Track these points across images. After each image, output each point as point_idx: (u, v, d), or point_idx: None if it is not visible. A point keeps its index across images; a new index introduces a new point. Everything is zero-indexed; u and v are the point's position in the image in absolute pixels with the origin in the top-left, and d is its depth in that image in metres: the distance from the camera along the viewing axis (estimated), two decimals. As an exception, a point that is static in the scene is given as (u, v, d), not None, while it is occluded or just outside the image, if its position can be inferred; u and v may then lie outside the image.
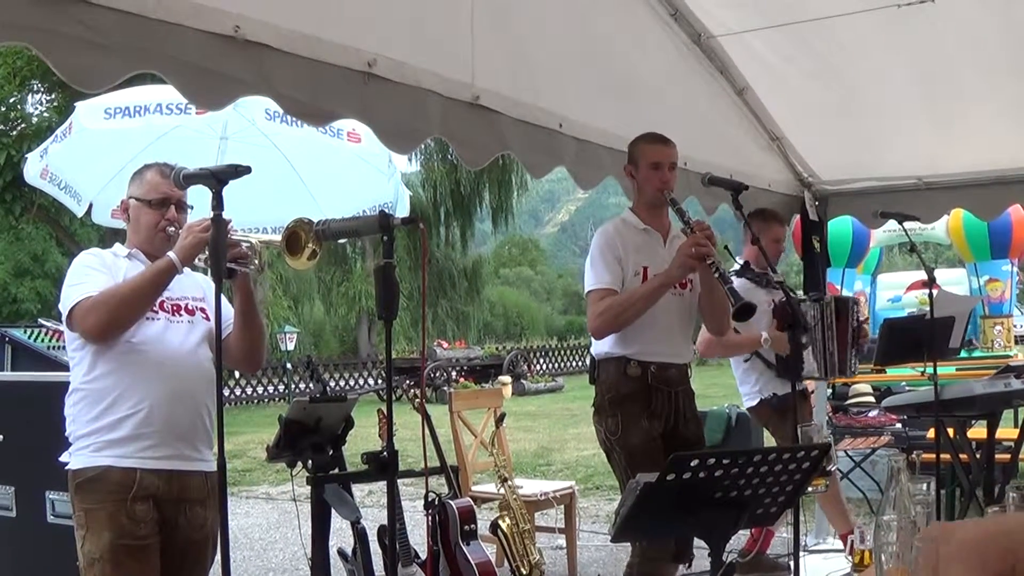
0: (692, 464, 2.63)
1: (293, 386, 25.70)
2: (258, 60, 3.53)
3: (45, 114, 23.98)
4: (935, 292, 6.18)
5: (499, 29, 4.71)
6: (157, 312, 3.81)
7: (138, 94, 6.03)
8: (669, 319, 4.89)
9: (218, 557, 3.40)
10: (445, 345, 31.67)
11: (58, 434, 3.87)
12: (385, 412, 3.75)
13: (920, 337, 6.23)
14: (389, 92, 4.11)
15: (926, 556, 2.01)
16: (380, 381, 26.82)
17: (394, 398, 3.47)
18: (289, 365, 25.98)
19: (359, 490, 8.69)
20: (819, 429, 3.77)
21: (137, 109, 5.88)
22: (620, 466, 4.93)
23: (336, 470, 5.48)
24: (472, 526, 6.10)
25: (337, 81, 3.88)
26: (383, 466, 3.41)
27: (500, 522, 6.39)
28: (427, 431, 4.59)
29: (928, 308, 6.17)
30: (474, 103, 4.57)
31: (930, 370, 5.99)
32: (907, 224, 6.23)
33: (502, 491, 6.57)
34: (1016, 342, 16.96)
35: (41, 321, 12.14)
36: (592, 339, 5.08)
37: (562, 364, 36.63)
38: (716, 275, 4.58)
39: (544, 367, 34.85)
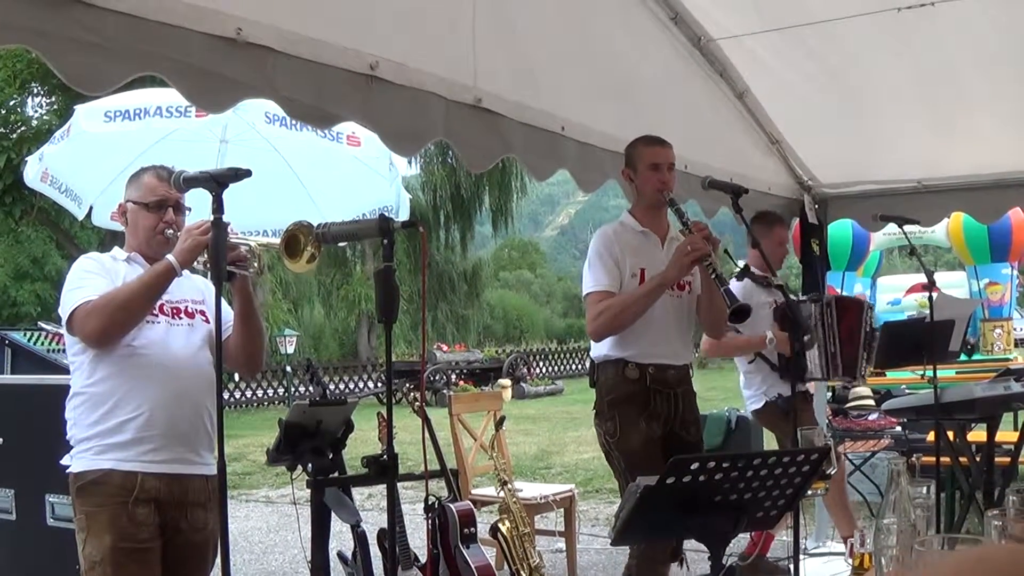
0: (692, 467, 2.63)
1: (293, 389, 25.70)
2: (260, 62, 3.53)
3: (45, 117, 23.96)
4: (935, 295, 6.17)
5: (500, 32, 4.71)
6: (157, 315, 3.81)
7: (138, 97, 6.03)
8: (667, 321, 4.90)
9: (218, 560, 3.40)
10: (445, 348, 31.67)
11: (58, 437, 3.88)
12: (385, 415, 3.75)
13: (920, 340, 6.23)
14: (392, 94, 4.11)
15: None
16: (380, 384, 26.81)
17: (394, 401, 3.48)
18: (289, 368, 25.98)
19: (359, 493, 8.68)
20: (820, 432, 3.76)
21: (137, 112, 5.89)
22: (619, 468, 4.94)
23: (336, 473, 5.49)
24: (472, 529, 6.10)
25: (340, 84, 3.88)
26: (383, 469, 3.41)
27: (500, 525, 6.38)
28: (427, 434, 4.59)
29: (928, 311, 6.16)
30: (476, 105, 4.57)
31: (930, 373, 5.98)
32: (907, 227, 6.22)
33: (502, 494, 6.57)
34: (1016, 345, 16.94)
35: (41, 324, 12.16)
36: (592, 342, 5.09)
37: (562, 367, 36.60)
38: (712, 276, 4.59)
39: (544, 370, 34.83)
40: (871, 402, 9.71)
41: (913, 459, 6.69)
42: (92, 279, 3.75)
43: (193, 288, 4.00)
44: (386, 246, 3.17)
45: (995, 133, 6.40)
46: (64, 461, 3.79)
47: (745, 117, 6.69)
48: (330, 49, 3.82)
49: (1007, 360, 13.35)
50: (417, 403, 6.18)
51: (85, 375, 3.74)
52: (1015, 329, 17.20)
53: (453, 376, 27.79)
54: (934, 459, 6.24)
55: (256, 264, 3.79)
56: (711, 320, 5.16)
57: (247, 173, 3.29)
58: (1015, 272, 17.05)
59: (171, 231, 3.85)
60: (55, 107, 23.57)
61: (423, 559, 6.02)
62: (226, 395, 23.10)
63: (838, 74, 6.19)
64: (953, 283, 17.61)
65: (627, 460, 4.85)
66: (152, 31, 3.15)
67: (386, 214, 4.17)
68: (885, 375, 9.55)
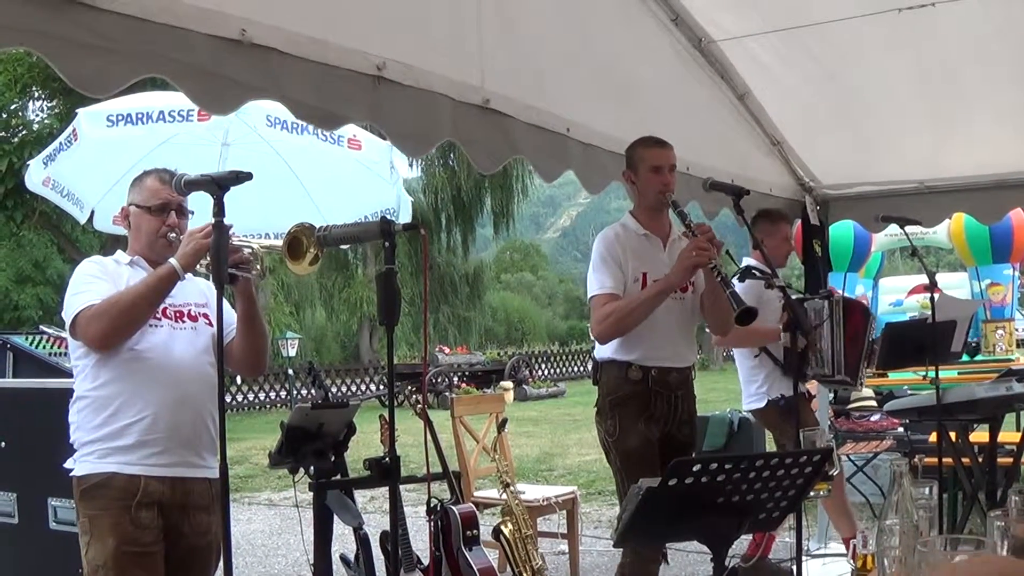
0: (694, 469, 2.63)
1: (295, 392, 25.69)
2: (266, 64, 3.53)
3: (46, 121, 23.94)
4: (936, 296, 6.17)
5: (506, 33, 4.72)
6: (160, 319, 3.81)
7: (140, 100, 6.04)
8: (670, 323, 4.90)
9: (220, 563, 3.40)
10: (447, 351, 31.67)
11: (60, 441, 3.88)
12: (387, 418, 3.75)
13: (922, 341, 6.23)
14: (399, 95, 4.11)
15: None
16: (382, 387, 26.80)
17: (396, 404, 3.48)
18: (291, 371, 25.97)
19: (361, 496, 8.67)
20: (822, 433, 3.76)
21: (139, 116, 5.89)
22: (616, 467, 4.96)
23: (338, 476, 5.49)
24: (474, 531, 6.10)
25: (347, 85, 3.88)
26: (385, 472, 3.42)
27: (502, 527, 6.38)
28: (429, 437, 4.59)
29: (930, 312, 6.16)
30: (485, 106, 4.57)
31: (932, 374, 5.98)
32: (909, 228, 6.21)
33: (504, 496, 6.57)
34: (1018, 346, 16.90)
35: (42, 328, 12.15)
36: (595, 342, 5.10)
37: (564, 369, 36.59)
38: (718, 279, 4.59)
39: (546, 372, 34.84)
40: (873, 403, 9.71)
41: (915, 460, 6.64)
42: (95, 283, 3.75)
43: (196, 291, 4.00)
44: (387, 249, 3.16)
45: (996, 133, 6.40)
46: (67, 464, 3.79)
47: (746, 118, 6.69)
48: (336, 50, 3.82)
49: (1009, 361, 13.32)
50: (419, 405, 6.19)
51: (89, 379, 3.74)
52: (1017, 330, 17.17)
53: (455, 378, 27.79)
54: (936, 460, 6.25)
55: (258, 267, 3.79)
56: (716, 319, 5.16)
57: (248, 176, 3.29)
58: (1017, 273, 17.02)
59: (174, 234, 3.85)
60: (56, 111, 23.55)
61: (425, 561, 6.02)
62: (228, 398, 23.09)
63: (839, 75, 6.19)
64: (955, 284, 17.58)
65: (623, 460, 4.87)
66: (156, 33, 3.15)
67: (387, 216, 4.17)
68: (887, 376, 9.54)
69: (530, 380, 30.07)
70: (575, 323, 60.54)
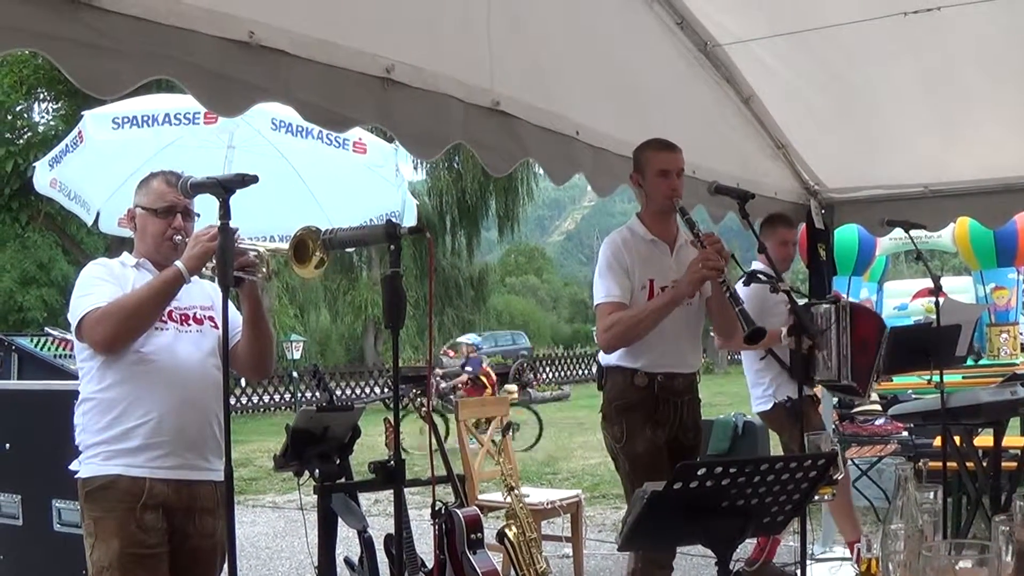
0: (699, 473, 2.63)
1: (300, 395, 25.74)
2: (274, 66, 3.53)
3: (52, 123, 24.02)
4: (941, 300, 6.17)
5: (514, 35, 4.72)
6: (166, 322, 3.81)
7: (146, 103, 6.05)
8: (677, 330, 4.88)
9: (225, 566, 3.41)
10: (452, 354, 31.66)
11: (64, 442, 3.88)
12: (392, 421, 3.76)
13: (926, 345, 6.22)
14: (408, 97, 4.11)
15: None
16: (387, 390, 26.84)
17: (401, 407, 3.48)
18: (295, 374, 26.00)
19: (366, 499, 8.68)
20: (827, 437, 3.76)
21: (145, 119, 5.90)
22: (624, 472, 4.95)
23: (343, 479, 5.49)
24: (479, 535, 6.09)
25: (355, 87, 3.89)
26: (390, 475, 3.42)
27: (507, 531, 6.38)
28: (433, 440, 4.59)
29: (934, 316, 6.16)
30: (495, 109, 4.57)
31: (936, 378, 5.97)
32: (913, 232, 6.22)
33: (508, 500, 6.57)
34: (1022, 350, 16.87)
35: (47, 329, 12.19)
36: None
37: (568, 372, 36.60)
38: (727, 295, 4.57)
39: (550, 375, 34.83)
40: (878, 407, 9.70)
41: (920, 464, 6.66)
42: (101, 286, 3.75)
43: (202, 294, 4.00)
44: (392, 252, 3.17)
45: (1001, 137, 6.39)
46: (73, 466, 3.80)
47: (751, 122, 6.69)
48: (344, 52, 3.82)
49: (1013, 365, 13.30)
50: (424, 409, 6.19)
51: (94, 381, 3.74)
52: (1022, 334, 17.14)
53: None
54: (941, 464, 6.24)
55: (264, 270, 3.79)
56: (722, 325, 5.15)
57: (254, 179, 3.29)
58: (1022, 277, 17.00)
59: (180, 237, 3.86)
60: (61, 113, 23.63)
61: (430, 565, 6.02)
62: (233, 400, 23.10)
63: (844, 79, 6.19)
64: (959, 288, 17.60)
65: (631, 465, 4.86)
66: (164, 34, 3.15)
67: (393, 219, 4.17)
68: (892, 380, 9.53)
69: (534, 383, 30.05)
70: (580, 326, 60.55)
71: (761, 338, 4.58)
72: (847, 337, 6.09)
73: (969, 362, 10.05)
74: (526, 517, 6.45)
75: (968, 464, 6.73)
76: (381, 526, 7.84)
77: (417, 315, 34.24)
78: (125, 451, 3.69)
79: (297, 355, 27.37)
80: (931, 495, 2.63)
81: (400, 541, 5.06)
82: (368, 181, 6.65)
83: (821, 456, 2.90)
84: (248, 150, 6.43)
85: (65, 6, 2.89)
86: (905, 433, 9.01)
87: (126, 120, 5.89)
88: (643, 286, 4.85)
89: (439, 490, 6.19)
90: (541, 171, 5.88)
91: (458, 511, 6.08)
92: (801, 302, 5.92)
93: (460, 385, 20.45)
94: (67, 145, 6.29)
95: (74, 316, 3.71)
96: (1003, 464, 6.68)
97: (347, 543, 6.66)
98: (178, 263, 3.67)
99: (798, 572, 5.01)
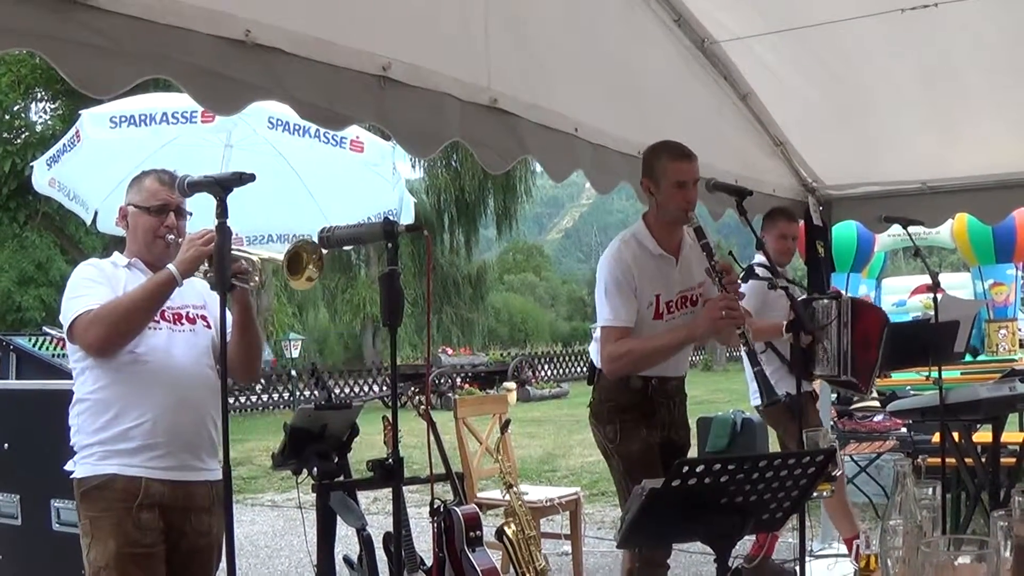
0: (698, 470, 2.63)
1: (298, 393, 25.73)
2: (270, 65, 3.53)
3: (49, 122, 23.98)
4: (939, 296, 6.16)
5: (512, 32, 4.71)
6: (159, 322, 3.80)
7: (143, 102, 6.05)
8: None
9: (223, 564, 3.40)
10: (450, 352, 31.68)
11: (63, 442, 3.87)
12: (390, 419, 3.75)
13: (925, 341, 6.22)
14: (406, 96, 4.10)
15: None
16: (385, 388, 26.83)
17: (399, 405, 3.48)
18: (294, 372, 25.99)
19: (364, 497, 8.67)
20: (825, 434, 3.76)
21: (143, 118, 5.90)
22: (618, 472, 4.93)
23: (341, 477, 5.49)
24: (477, 533, 6.09)
25: (352, 85, 3.88)
26: (388, 473, 3.42)
27: (505, 528, 6.38)
28: (432, 438, 4.59)
29: (933, 312, 6.16)
30: (492, 106, 4.56)
31: (935, 374, 5.97)
32: (911, 228, 6.21)
33: (507, 497, 6.56)
34: (1021, 346, 16.91)
35: (45, 329, 12.16)
36: (592, 342, 5.07)
37: (567, 370, 36.54)
38: (745, 350, 4.53)
39: (549, 373, 34.80)
40: (876, 403, 9.71)
41: (918, 460, 6.66)
42: (93, 287, 3.74)
43: (194, 293, 3.98)
44: (390, 250, 3.17)
45: (999, 134, 6.39)
46: (68, 467, 3.79)
47: (749, 119, 6.69)
48: (340, 51, 3.81)
49: (1012, 361, 13.34)
50: (422, 407, 6.19)
51: (88, 382, 3.74)
52: (1020, 330, 17.17)
53: (458, 379, 27.78)
54: (939, 460, 6.25)
55: (257, 278, 3.79)
56: (727, 341, 5.14)
57: (251, 177, 3.29)
58: (1020, 273, 17.04)
59: (172, 236, 3.85)
60: (59, 112, 23.59)
61: (429, 563, 6.02)
62: (231, 400, 23.07)
63: (841, 76, 6.19)
64: (958, 284, 17.62)
65: (626, 465, 4.84)
66: (160, 33, 3.15)
67: (390, 218, 4.17)
68: (890, 376, 9.54)
69: (533, 381, 30.05)
70: (578, 324, 60.50)
71: (778, 403, 4.59)
72: (848, 332, 6.08)
73: (967, 358, 10.08)
74: (525, 515, 6.45)
75: (967, 460, 6.73)
76: (380, 524, 7.84)
77: (415, 313, 34.22)
78: (121, 452, 3.69)
79: (295, 353, 27.40)
80: (930, 491, 2.63)
81: (399, 539, 5.08)
82: (366, 179, 6.65)
83: (820, 452, 2.91)
84: (245, 149, 6.44)
85: (61, 5, 2.88)
86: (904, 429, 9.03)
87: (124, 119, 5.88)
88: (649, 303, 4.77)
89: (438, 488, 6.19)
90: (539, 169, 5.87)
91: (457, 509, 6.07)
92: (801, 297, 5.93)
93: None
94: (65, 144, 6.28)
95: (66, 318, 3.69)
96: (1002, 460, 6.69)
97: (346, 541, 6.65)
98: (171, 266, 3.66)
99: (797, 568, 5.01)
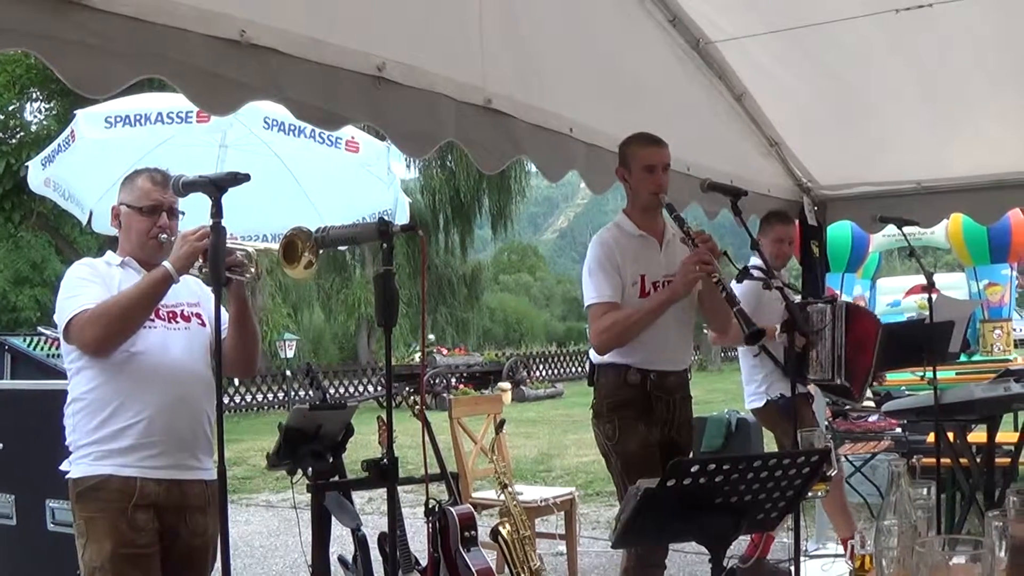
0: (692, 470, 2.63)
1: (293, 393, 25.69)
2: (266, 65, 3.52)
3: (44, 122, 24.00)
4: (934, 296, 6.17)
5: (506, 32, 4.71)
6: (154, 320, 3.79)
7: (138, 102, 6.04)
8: (668, 325, 4.84)
9: (218, 564, 3.40)
10: (445, 352, 31.66)
11: (58, 442, 3.87)
12: (385, 419, 3.75)
13: (920, 342, 6.23)
14: (400, 96, 4.11)
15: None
16: (380, 388, 26.81)
17: (394, 405, 3.48)
18: (289, 372, 25.97)
19: (359, 497, 8.67)
20: (821, 434, 3.76)
21: (138, 118, 5.90)
22: (617, 471, 4.92)
23: (336, 477, 5.49)
24: (472, 533, 6.09)
25: (347, 85, 3.88)
26: (383, 473, 3.42)
27: (500, 528, 6.38)
28: (427, 438, 4.59)
29: (927, 312, 6.16)
30: (486, 106, 4.56)
31: (930, 374, 5.97)
32: (906, 229, 6.21)
33: (502, 497, 6.56)
34: (1015, 346, 16.93)
35: (40, 329, 12.14)
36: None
37: (562, 370, 36.55)
38: (723, 294, 4.53)
39: (544, 373, 34.80)
40: (871, 403, 9.71)
41: (913, 460, 6.69)
42: (88, 287, 3.73)
43: (188, 291, 3.97)
44: (385, 250, 3.17)
45: (994, 134, 6.40)
46: (63, 467, 3.79)
47: (744, 119, 6.69)
48: (336, 50, 3.81)
49: (1007, 361, 13.33)
50: (417, 407, 6.18)
51: (83, 381, 3.73)
52: (1015, 330, 17.19)
53: (453, 380, 27.78)
54: (934, 460, 6.24)
55: (253, 270, 3.78)
56: (715, 320, 5.16)
57: (246, 177, 3.29)
58: (1014, 273, 17.04)
59: (165, 236, 3.84)
60: (54, 112, 23.61)
61: (424, 563, 6.01)
62: (226, 399, 23.12)
63: (837, 76, 6.19)
64: (952, 284, 17.61)
65: (624, 463, 4.83)
66: (155, 33, 3.14)
67: (385, 218, 4.17)
68: (885, 376, 9.55)
69: (528, 381, 30.04)
70: (573, 324, 60.53)
71: (761, 338, 4.58)
72: (842, 337, 6.08)
73: (962, 358, 10.08)
74: (520, 515, 6.45)
75: (962, 460, 6.74)
76: (375, 524, 7.84)
77: (410, 313, 34.15)
78: (116, 451, 3.68)
79: (290, 353, 27.32)
80: (925, 491, 2.64)
81: (394, 539, 5.08)
82: (361, 179, 6.65)
83: (814, 452, 2.91)
84: (241, 149, 6.43)
85: (57, 5, 2.88)
86: (899, 429, 9.03)
87: (119, 119, 5.88)
88: (634, 282, 4.82)
89: (433, 488, 6.19)
90: (534, 169, 5.88)
91: (452, 509, 6.07)
92: (796, 300, 5.93)
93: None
94: (60, 144, 6.28)
95: (61, 318, 3.68)
96: (996, 460, 6.69)
97: (341, 541, 6.66)
98: (166, 263, 3.65)
99: (792, 569, 5.01)
